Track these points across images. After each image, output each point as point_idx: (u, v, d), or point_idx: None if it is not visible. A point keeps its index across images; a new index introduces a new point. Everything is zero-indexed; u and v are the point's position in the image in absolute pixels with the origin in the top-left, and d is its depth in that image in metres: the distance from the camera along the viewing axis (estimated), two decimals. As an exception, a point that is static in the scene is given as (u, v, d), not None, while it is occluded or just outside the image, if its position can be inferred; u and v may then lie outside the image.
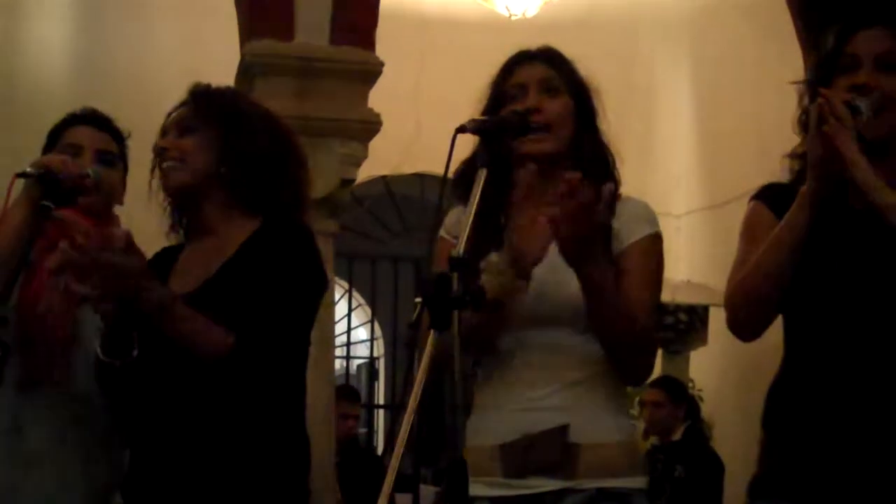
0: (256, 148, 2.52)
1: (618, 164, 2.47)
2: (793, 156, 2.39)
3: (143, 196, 2.60)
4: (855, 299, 2.22)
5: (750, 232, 2.37)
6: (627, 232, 2.38)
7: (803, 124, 2.36)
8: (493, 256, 2.28)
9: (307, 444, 2.52)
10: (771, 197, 2.37)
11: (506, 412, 2.34)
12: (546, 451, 2.28)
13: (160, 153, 2.55)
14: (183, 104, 2.59)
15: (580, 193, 2.12)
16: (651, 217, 2.43)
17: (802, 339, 2.31)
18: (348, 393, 6.78)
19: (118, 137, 2.87)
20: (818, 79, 2.34)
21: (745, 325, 2.32)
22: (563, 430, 2.28)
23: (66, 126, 2.85)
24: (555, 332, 2.33)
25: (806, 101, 2.37)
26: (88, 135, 2.82)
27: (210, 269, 2.47)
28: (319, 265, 2.50)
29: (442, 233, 2.48)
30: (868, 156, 2.17)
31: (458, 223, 2.40)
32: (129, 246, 2.32)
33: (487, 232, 2.36)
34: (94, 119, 2.86)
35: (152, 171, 2.59)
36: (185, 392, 2.41)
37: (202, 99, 2.58)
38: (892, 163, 2.27)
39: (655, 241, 2.41)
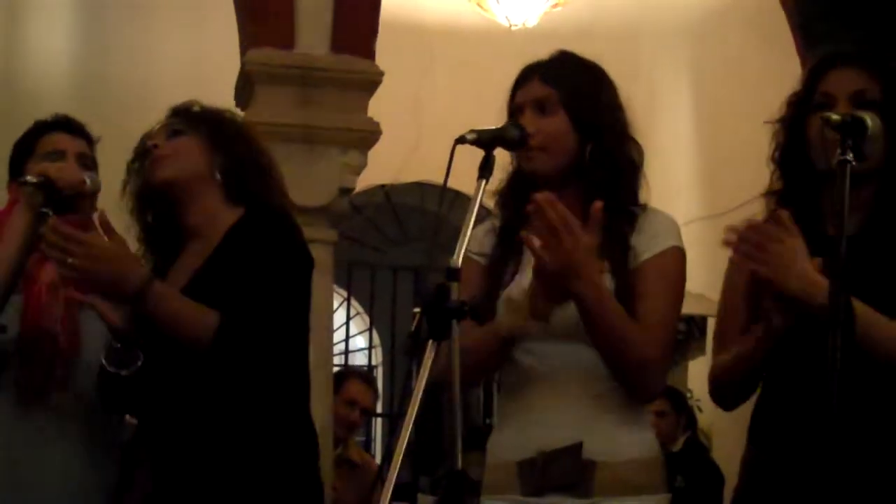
0: (241, 150, 2.56)
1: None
2: (768, 194, 2.42)
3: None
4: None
5: (723, 299, 2.46)
6: (644, 247, 2.32)
7: (777, 161, 2.41)
8: (514, 292, 2.26)
9: (313, 429, 2.53)
10: None
11: (523, 428, 2.32)
12: (561, 469, 2.25)
13: (149, 150, 2.56)
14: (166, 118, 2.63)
15: (550, 214, 2.09)
16: (672, 229, 2.37)
17: (783, 355, 2.29)
18: (363, 376, 5.59)
19: (90, 142, 2.89)
20: (792, 117, 2.39)
21: (728, 408, 2.43)
22: (578, 447, 2.25)
23: (40, 133, 2.85)
24: (571, 346, 2.29)
25: (780, 138, 2.41)
26: (68, 140, 2.83)
27: (198, 263, 2.49)
28: (303, 245, 2.51)
29: (466, 252, 2.44)
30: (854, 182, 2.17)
31: (482, 240, 2.41)
32: (107, 230, 2.34)
33: (506, 252, 2.36)
34: (69, 125, 2.87)
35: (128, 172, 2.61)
36: (183, 385, 2.42)
37: (185, 110, 2.63)
38: (863, 193, 2.28)
39: (674, 254, 2.35)
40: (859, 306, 2.13)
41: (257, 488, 2.39)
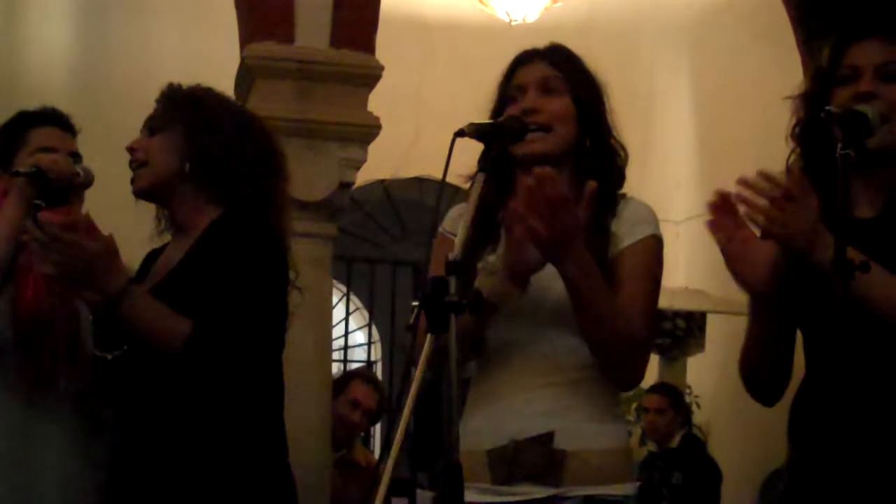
0: (218, 142, 2.54)
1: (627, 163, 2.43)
2: (788, 171, 2.38)
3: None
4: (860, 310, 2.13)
5: None
6: (625, 233, 2.33)
7: (797, 137, 2.36)
8: (491, 258, 2.25)
9: (283, 434, 2.54)
10: None
11: (495, 416, 2.31)
12: (532, 458, 2.25)
13: (129, 152, 2.59)
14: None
15: (549, 188, 2.08)
16: (651, 218, 2.38)
17: (822, 351, 2.27)
18: (367, 377, 5.39)
19: (75, 135, 2.89)
20: (815, 92, 2.33)
21: (760, 397, 2.36)
22: (549, 437, 2.25)
23: (29, 126, 2.84)
24: (546, 332, 2.30)
25: (802, 113, 2.35)
26: (58, 136, 2.84)
27: (176, 261, 2.51)
28: (277, 251, 2.51)
29: (441, 229, 2.45)
30: (865, 166, 2.15)
31: (458, 219, 2.38)
32: (90, 229, 2.35)
33: (485, 231, 2.34)
34: (58, 119, 2.87)
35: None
36: (156, 383, 2.43)
37: (168, 98, 2.61)
38: (887, 173, 2.26)
39: (653, 242, 2.36)
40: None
41: (222, 490, 2.42)
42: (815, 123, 2.28)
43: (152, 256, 2.66)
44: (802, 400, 2.32)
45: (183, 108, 2.58)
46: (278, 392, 2.55)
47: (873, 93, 2.21)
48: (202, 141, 2.53)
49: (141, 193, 2.59)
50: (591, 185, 2.16)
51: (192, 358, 2.36)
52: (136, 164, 2.57)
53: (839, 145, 2.08)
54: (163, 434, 2.43)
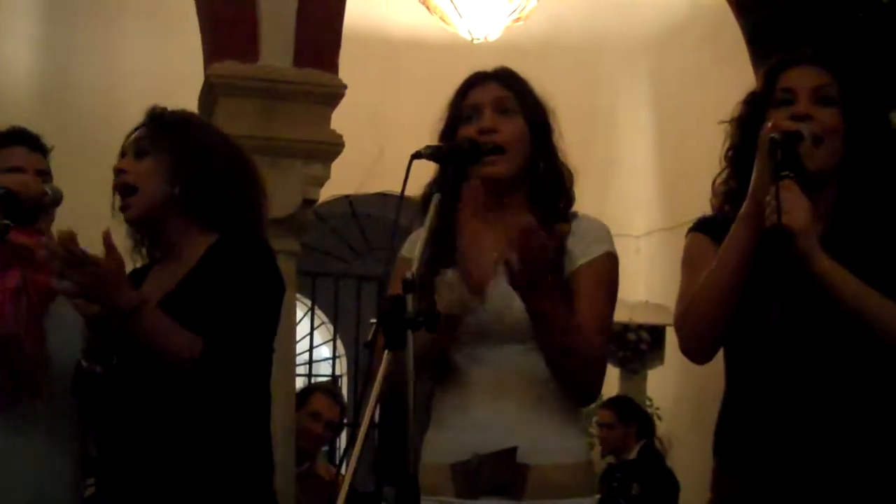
0: (209, 168, 2.58)
1: (577, 184, 2.47)
2: (716, 190, 2.45)
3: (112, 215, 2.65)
4: (794, 325, 2.22)
5: (690, 262, 2.40)
6: (581, 251, 2.38)
7: (730, 160, 2.43)
8: (449, 273, 2.30)
9: (270, 448, 2.59)
10: (706, 226, 2.41)
11: (458, 430, 2.36)
12: (495, 472, 2.29)
13: (117, 174, 2.61)
14: (140, 126, 2.65)
15: (532, 241, 2.12)
16: (605, 236, 2.43)
17: (744, 365, 2.33)
18: (328, 390, 5.39)
19: (46, 153, 2.91)
20: (749, 115, 2.40)
21: (697, 347, 2.35)
22: (512, 451, 2.29)
23: None
24: (507, 349, 2.34)
25: (736, 138, 2.42)
26: (25, 156, 2.85)
27: (172, 284, 2.54)
28: (276, 273, 2.56)
29: (402, 253, 2.50)
30: (804, 187, 2.21)
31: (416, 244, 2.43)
32: (109, 246, 2.39)
33: (442, 251, 2.38)
34: (26, 138, 2.89)
35: (114, 191, 2.64)
36: (155, 398, 2.47)
37: (157, 122, 2.64)
38: (825, 195, 2.32)
39: (609, 260, 2.40)
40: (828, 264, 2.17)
41: (211, 497, 2.45)
42: (748, 147, 2.34)
43: (135, 276, 2.67)
44: (727, 418, 2.37)
45: (171, 132, 2.61)
46: (267, 407, 2.61)
47: (810, 115, 2.29)
48: (193, 166, 2.57)
49: (134, 222, 2.62)
50: (562, 227, 2.21)
51: (203, 372, 2.40)
52: (125, 189, 2.59)
53: (778, 167, 2.15)
54: (156, 447, 2.47)
